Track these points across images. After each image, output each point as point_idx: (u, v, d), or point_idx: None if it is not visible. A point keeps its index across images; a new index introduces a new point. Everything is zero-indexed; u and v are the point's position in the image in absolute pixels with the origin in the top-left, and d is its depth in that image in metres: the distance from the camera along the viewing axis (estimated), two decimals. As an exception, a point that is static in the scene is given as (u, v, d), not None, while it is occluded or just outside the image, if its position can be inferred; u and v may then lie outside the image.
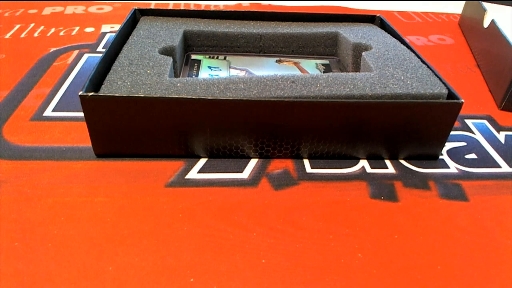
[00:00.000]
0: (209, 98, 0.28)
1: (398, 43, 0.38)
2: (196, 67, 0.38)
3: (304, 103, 0.28)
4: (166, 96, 0.28)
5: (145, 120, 0.29)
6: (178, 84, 0.30)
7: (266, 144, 0.31)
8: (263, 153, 0.31)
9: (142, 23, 0.40)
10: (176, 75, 0.36)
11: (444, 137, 0.31)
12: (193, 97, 0.28)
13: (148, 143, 0.30)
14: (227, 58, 0.40)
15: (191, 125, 0.29)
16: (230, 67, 0.38)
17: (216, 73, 0.37)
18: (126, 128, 0.29)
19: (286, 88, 0.30)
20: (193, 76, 0.36)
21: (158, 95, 0.28)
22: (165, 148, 0.30)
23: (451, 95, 0.30)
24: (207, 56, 0.40)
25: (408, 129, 0.30)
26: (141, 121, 0.29)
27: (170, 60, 0.33)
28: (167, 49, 0.36)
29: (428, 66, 0.34)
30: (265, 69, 0.39)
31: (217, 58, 0.40)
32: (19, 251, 0.23)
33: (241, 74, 0.37)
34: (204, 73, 0.37)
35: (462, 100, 0.29)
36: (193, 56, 0.40)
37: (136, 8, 0.42)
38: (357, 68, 0.38)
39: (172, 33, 0.38)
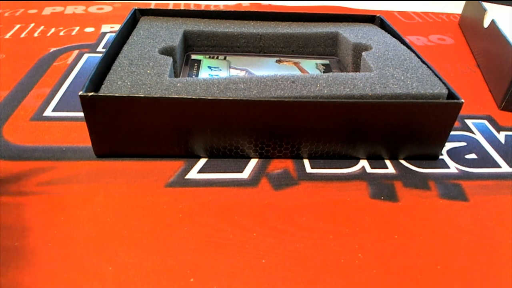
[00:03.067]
0: (209, 98, 0.28)
1: (398, 43, 0.38)
2: (196, 67, 0.38)
3: (304, 103, 0.28)
4: (166, 96, 0.28)
5: (145, 120, 0.29)
6: (178, 84, 0.30)
7: (266, 144, 0.31)
8: (263, 153, 0.31)
9: (142, 23, 0.40)
10: (176, 75, 0.36)
11: (444, 137, 0.31)
12: (193, 97, 0.28)
13: (148, 143, 0.30)
14: (227, 58, 0.40)
15: (191, 125, 0.29)
16: (230, 67, 0.38)
17: (216, 73, 0.37)
18: (126, 128, 0.29)
19: (286, 88, 0.30)
20: (193, 76, 0.36)
21: (158, 95, 0.28)
22: (165, 148, 0.30)
23: (451, 95, 0.30)
24: (207, 56, 0.40)
25: (408, 129, 0.30)
26: (141, 121, 0.29)
27: (170, 60, 0.33)
28: (167, 49, 0.36)
29: (428, 66, 0.34)
30: (265, 69, 0.39)
31: (217, 58, 0.40)
32: (19, 251, 0.23)
33: (241, 74, 0.37)
34: (204, 73, 0.37)
35: (462, 100, 0.29)
36: (193, 56, 0.40)
37: (136, 8, 0.42)
38: (357, 68, 0.38)
39: (172, 33, 0.38)
